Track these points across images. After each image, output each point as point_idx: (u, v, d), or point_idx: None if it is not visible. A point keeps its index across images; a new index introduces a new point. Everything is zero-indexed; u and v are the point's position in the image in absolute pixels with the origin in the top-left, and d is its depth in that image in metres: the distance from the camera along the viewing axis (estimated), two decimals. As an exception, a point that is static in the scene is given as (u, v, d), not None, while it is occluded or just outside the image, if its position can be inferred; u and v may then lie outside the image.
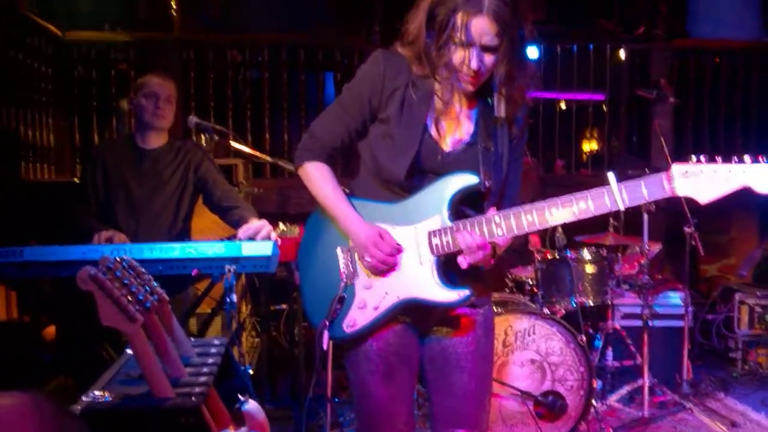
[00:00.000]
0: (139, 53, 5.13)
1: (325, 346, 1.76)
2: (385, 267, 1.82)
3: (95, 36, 5.15)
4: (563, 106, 5.74)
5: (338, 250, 1.89)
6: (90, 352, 2.88)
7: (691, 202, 1.68)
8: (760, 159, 1.63)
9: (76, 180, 4.87)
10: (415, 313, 1.86)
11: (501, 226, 1.74)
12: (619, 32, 5.93)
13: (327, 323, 1.76)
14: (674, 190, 1.64)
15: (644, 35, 5.58)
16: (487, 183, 1.78)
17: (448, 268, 1.81)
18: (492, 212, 1.76)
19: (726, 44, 5.54)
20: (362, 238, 1.81)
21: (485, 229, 1.75)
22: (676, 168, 1.64)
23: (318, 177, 1.90)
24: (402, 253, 1.83)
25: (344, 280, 1.83)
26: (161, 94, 3.04)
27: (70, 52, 5.03)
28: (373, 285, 1.84)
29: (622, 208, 1.66)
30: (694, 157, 1.65)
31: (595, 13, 6.34)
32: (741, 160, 1.63)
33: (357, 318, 1.85)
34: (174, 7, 5.23)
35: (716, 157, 1.65)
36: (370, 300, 1.84)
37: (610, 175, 1.68)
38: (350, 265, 1.87)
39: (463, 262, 1.76)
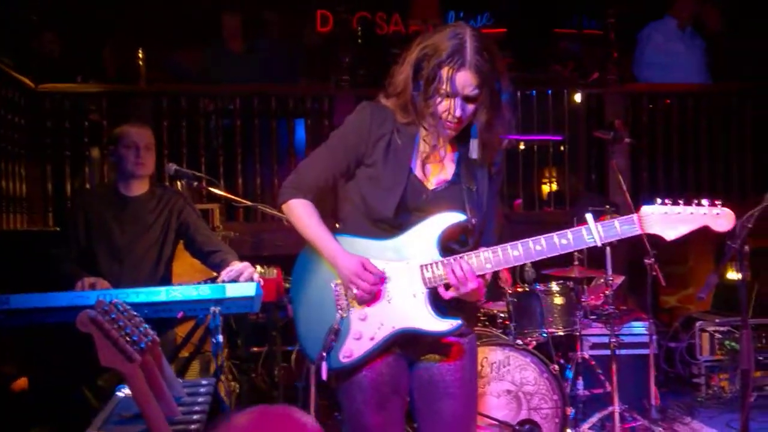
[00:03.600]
0: (111, 103, 5.21)
1: (324, 377, 1.86)
2: (369, 297, 1.93)
3: (67, 87, 5.21)
4: (522, 146, 5.97)
5: (332, 284, 2.00)
6: (69, 398, 2.88)
7: (655, 237, 1.89)
8: (716, 203, 1.88)
9: (49, 229, 4.88)
10: (406, 343, 1.98)
11: (490, 260, 1.89)
12: (574, 78, 6.24)
13: (324, 354, 1.86)
14: (644, 229, 1.85)
15: (598, 80, 5.88)
16: (473, 220, 1.95)
17: (439, 300, 1.94)
18: (481, 249, 1.91)
19: (676, 87, 5.87)
20: (346, 270, 1.93)
21: (474, 263, 1.90)
22: (646, 209, 1.88)
23: (302, 213, 2.03)
24: (386, 282, 1.95)
25: (340, 312, 1.94)
26: (140, 143, 3.12)
27: (42, 103, 5.08)
28: (369, 316, 1.95)
29: (599, 243, 1.87)
30: (659, 200, 1.88)
31: (551, 61, 6.65)
32: (700, 204, 1.87)
33: (353, 348, 1.95)
34: (141, 58, 5.33)
35: (678, 201, 1.89)
36: (366, 331, 1.95)
37: (589, 216, 1.90)
38: (344, 298, 1.98)
39: (445, 294, 1.90)
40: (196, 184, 3.56)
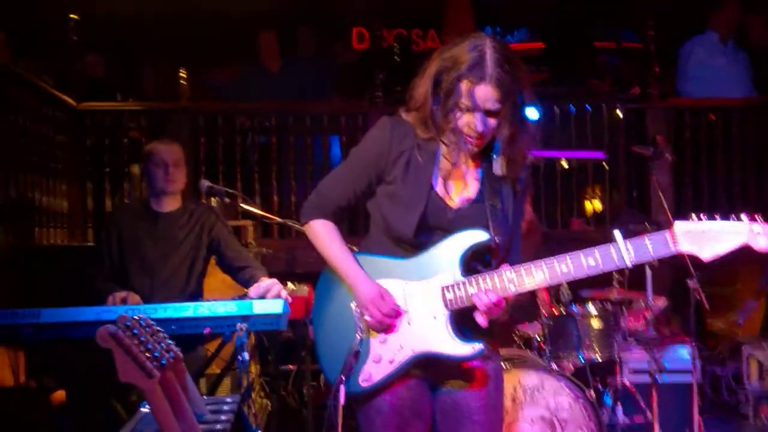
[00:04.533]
0: (150, 121, 5.31)
1: (342, 401, 1.80)
2: (382, 327, 1.88)
3: (108, 105, 5.34)
4: (565, 164, 5.86)
5: (353, 305, 1.95)
6: (101, 412, 2.89)
7: (693, 257, 1.76)
8: (757, 218, 1.73)
9: (88, 244, 4.97)
10: (427, 367, 1.91)
11: (513, 281, 1.82)
12: (614, 92, 6.11)
13: (343, 378, 1.81)
14: (678, 248, 1.73)
15: (639, 95, 5.75)
16: (497, 239, 1.87)
17: (461, 322, 1.87)
18: (504, 267, 1.84)
19: (719, 102, 5.70)
20: (363, 296, 1.88)
21: (497, 284, 1.82)
22: (679, 226, 1.74)
23: (324, 234, 1.99)
24: (403, 314, 1.89)
25: (359, 334, 1.88)
26: (169, 160, 3.16)
27: (83, 121, 5.21)
28: (388, 339, 1.90)
29: (629, 264, 1.75)
30: (695, 216, 1.74)
31: (590, 75, 6.54)
32: (739, 219, 1.73)
33: (373, 372, 1.89)
34: (183, 77, 5.44)
35: (715, 216, 1.74)
36: (386, 354, 1.89)
37: (617, 233, 1.78)
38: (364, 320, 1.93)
39: (482, 321, 1.82)
40: (228, 200, 3.57)
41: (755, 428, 4.43)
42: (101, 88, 5.48)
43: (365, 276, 1.91)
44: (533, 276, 1.81)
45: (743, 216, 1.73)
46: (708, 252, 1.73)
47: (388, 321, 1.87)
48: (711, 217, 1.74)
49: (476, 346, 1.84)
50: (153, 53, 6.22)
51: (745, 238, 1.72)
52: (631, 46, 6.91)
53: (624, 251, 1.74)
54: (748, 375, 4.55)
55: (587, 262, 1.77)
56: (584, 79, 6.50)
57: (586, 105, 5.66)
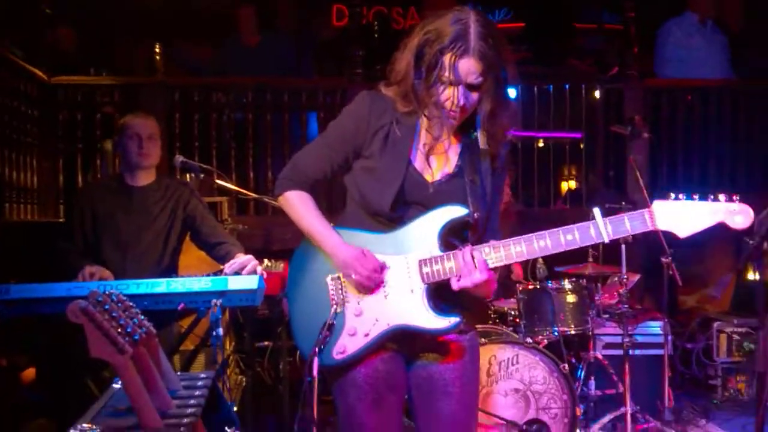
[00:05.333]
0: (124, 96, 5.21)
1: (315, 373, 1.80)
2: (372, 283, 1.86)
3: (81, 80, 5.23)
4: (541, 144, 5.88)
5: (327, 279, 1.94)
6: (73, 389, 2.87)
7: (669, 234, 1.79)
8: (734, 198, 1.77)
9: (59, 220, 4.90)
10: (403, 340, 1.91)
11: (491, 255, 1.82)
12: (593, 73, 6.13)
13: (317, 350, 1.81)
14: (656, 225, 1.76)
15: (618, 75, 5.77)
16: (475, 215, 1.87)
17: (437, 297, 1.87)
18: (483, 244, 1.84)
19: (696, 83, 5.74)
20: (346, 256, 1.87)
21: (476, 258, 1.82)
22: (658, 205, 1.77)
23: (299, 203, 1.97)
24: (387, 270, 1.88)
25: (334, 307, 1.88)
26: (143, 134, 3.11)
27: (55, 95, 5.10)
28: (363, 312, 1.89)
29: (606, 240, 1.77)
30: (672, 195, 1.78)
31: (570, 55, 6.55)
32: (716, 198, 1.77)
33: (347, 345, 1.89)
34: (158, 52, 5.33)
35: (693, 195, 1.78)
36: (360, 327, 1.89)
37: (596, 211, 1.80)
38: (339, 293, 1.92)
39: (455, 284, 1.82)
40: (203, 176, 3.53)
41: (723, 400, 4.55)
42: (73, 61, 5.36)
43: (344, 242, 1.90)
44: (510, 251, 1.81)
45: (721, 196, 1.77)
46: (685, 230, 1.77)
47: (376, 275, 1.86)
48: (689, 197, 1.77)
49: (452, 320, 1.84)
50: (127, 26, 6.09)
51: (721, 216, 1.75)
52: (611, 27, 6.92)
53: (603, 229, 1.77)
54: (717, 349, 4.66)
55: (565, 238, 1.79)
56: (564, 59, 6.51)
57: (566, 85, 5.67)
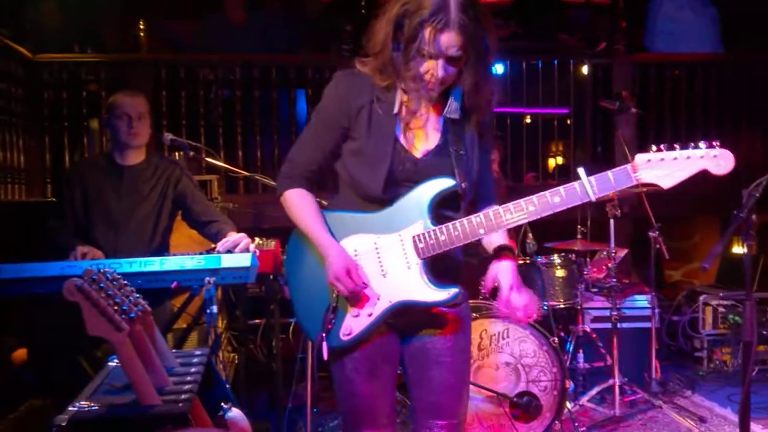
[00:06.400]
0: (110, 73, 5.14)
1: (325, 357, 1.84)
2: (354, 299, 1.88)
3: (65, 57, 5.15)
4: (529, 120, 5.88)
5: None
6: (66, 369, 2.88)
7: (653, 186, 1.79)
8: (714, 144, 1.76)
9: (47, 200, 4.86)
10: (397, 316, 1.92)
11: (482, 224, 1.83)
12: (581, 48, 6.11)
13: (324, 335, 1.84)
14: (639, 179, 1.76)
15: (606, 50, 5.77)
16: (463, 185, 1.88)
17: (434, 270, 1.88)
18: (474, 214, 1.85)
19: (684, 57, 5.75)
20: (330, 272, 1.87)
21: (467, 228, 1.84)
22: (639, 157, 1.78)
23: (298, 204, 1.97)
24: (381, 250, 1.90)
25: (336, 291, 1.89)
26: (133, 113, 3.08)
27: (40, 73, 5.02)
28: (365, 294, 1.90)
29: (592, 198, 1.77)
30: (654, 147, 1.78)
31: (558, 30, 6.52)
32: (697, 146, 1.77)
33: (352, 326, 1.91)
34: (142, 29, 5.25)
35: (674, 145, 1.78)
36: (364, 308, 1.90)
37: (580, 170, 1.80)
38: None
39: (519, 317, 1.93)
40: (192, 154, 3.51)
41: (708, 371, 4.65)
42: (58, 39, 5.27)
43: (337, 249, 1.89)
44: (501, 217, 1.82)
45: (701, 143, 1.77)
46: (668, 180, 1.77)
47: (358, 292, 1.88)
48: (670, 147, 1.78)
49: (451, 291, 1.87)
50: (111, 3, 5.98)
51: (703, 163, 1.76)
52: (599, 2, 6.89)
53: (588, 186, 1.77)
54: (703, 322, 4.74)
55: (552, 200, 1.80)
56: (553, 34, 6.48)
57: (554, 60, 5.67)
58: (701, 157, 1.76)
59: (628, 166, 1.77)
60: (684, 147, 1.77)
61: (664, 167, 1.76)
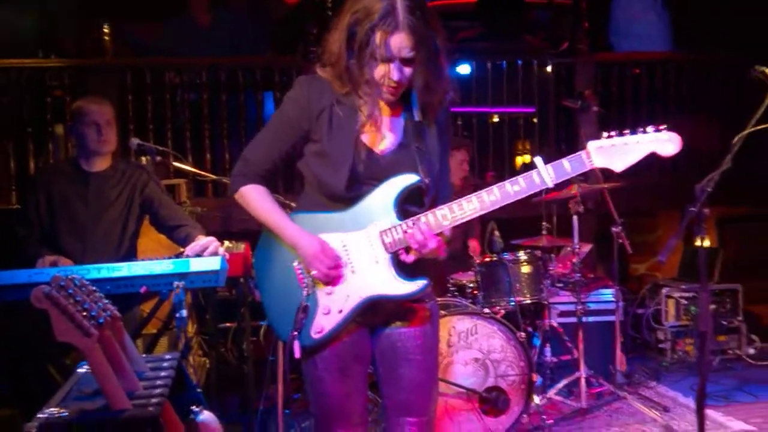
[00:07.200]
0: (73, 79, 5.09)
1: (297, 355, 1.87)
2: (329, 279, 1.92)
3: (27, 63, 5.08)
4: (496, 119, 5.97)
5: (294, 264, 1.98)
6: (34, 377, 2.85)
7: (606, 170, 1.90)
8: (661, 128, 1.90)
9: (12, 207, 4.79)
10: (366, 311, 1.97)
11: (447, 216, 1.89)
12: (545, 48, 6.22)
13: (296, 334, 1.87)
14: (592, 164, 1.87)
15: (569, 50, 5.88)
16: (426, 180, 1.93)
17: (402, 264, 1.94)
18: (437, 207, 1.92)
19: (645, 56, 5.90)
20: (304, 253, 1.92)
21: (432, 221, 1.89)
22: (592, 144, 1.89)
23: (254, 197, 1.99)
24: (347, 255, 1.94)
25: (306, 290, 1.93)
26: (101, 120, 3.06)
27: (2, 78, 4.95)
28: (335, 290, 1.95)
29: (550, 184, 1.87)
30: (605, 133, 1.90)
31: (522, 31, 6.62)
32: (645, 131, 1.89)
33: (324, 323, 1.94)
34: (107, 33, 5.20)
35: (624, 132, 1.90)
36: (334, 305, 1.95)
37: (537, 159, 1.90)
38: (308, 276, 1.96)
39: (407, 258, 1.90)
40: (160, 158, 3.50)
41: (672, 362, 4.78)
42: (19, 43, 5.18)
43: (303, 232, 1.94)
44: (464, 208, 1.89)
45: (649, 128, 1.90)
46: (619, 164, 1.89)
47: (334, 272, 1.92)
48: (620, 133, 1.89)
49: (420, 283, 1.92)
50: (71, 6, 5.90)
51: (652, 146, 1.88)
52: (562, 3, 7.02)
53: (545, 174, 1.87)
54: (666, 314, 4.87)
55: (513, 189, 1.88)
56: (517, 35, 6.57)
57: (518, 60, 5.76)
58: (650, 140, 1.88)
59: (582, 153, 1.88)
60: (633, 132, 1.89)
61: (615, 152, 1.88)
